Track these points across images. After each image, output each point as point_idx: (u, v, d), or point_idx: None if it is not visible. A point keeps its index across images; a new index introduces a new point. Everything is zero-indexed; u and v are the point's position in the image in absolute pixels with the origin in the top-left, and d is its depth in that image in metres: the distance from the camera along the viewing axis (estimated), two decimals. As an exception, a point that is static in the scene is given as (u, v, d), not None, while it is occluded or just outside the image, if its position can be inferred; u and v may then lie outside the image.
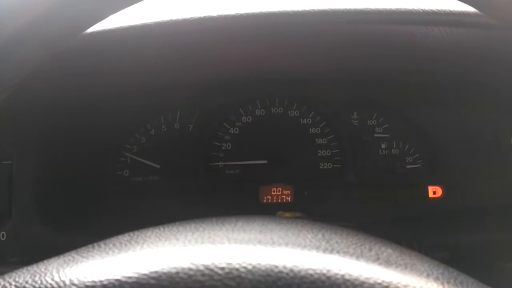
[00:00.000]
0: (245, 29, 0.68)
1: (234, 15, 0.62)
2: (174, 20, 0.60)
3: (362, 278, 0.29)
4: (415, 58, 0.74)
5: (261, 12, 0.63)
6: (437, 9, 0.59)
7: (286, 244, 0.32)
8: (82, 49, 0.59)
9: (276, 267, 0.29)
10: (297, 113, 0.94)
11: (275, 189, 0.92)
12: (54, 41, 0.40)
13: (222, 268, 0.29)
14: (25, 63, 0.39)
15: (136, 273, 0.29)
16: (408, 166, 0.93)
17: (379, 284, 0.29)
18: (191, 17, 0.61)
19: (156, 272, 0.29)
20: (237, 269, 0.29)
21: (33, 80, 0.42)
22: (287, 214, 0.70)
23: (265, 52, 0.76)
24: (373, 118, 0.94)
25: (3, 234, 0.70)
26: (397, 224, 0.87)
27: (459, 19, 0.60)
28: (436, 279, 0.31)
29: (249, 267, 0.29)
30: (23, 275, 0.33)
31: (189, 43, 0.67)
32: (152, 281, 0.29)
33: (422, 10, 0.60)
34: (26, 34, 0.37)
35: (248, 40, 0.71)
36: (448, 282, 0.31)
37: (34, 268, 0.34)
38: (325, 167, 0.94)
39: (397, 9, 0.61)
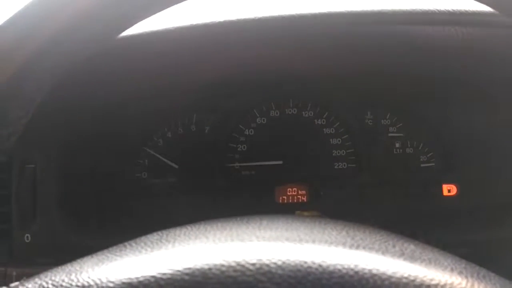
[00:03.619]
0: (260, 32, 0.69)
1: (251, 19, 0.63)
2: (194, 25, 0.62)
3: (389, 273, 0.30)
4: (430, 58, 0.74)
5: (276, 15, 0.65)
6: (453, 9, 0.60)
7: (313, 241, 0.33)
8: (107, 54, 0.60)
9: (305, 262, 0.30)
10: (311, 113, 0.95)
11: (290, 189, 0.93)
12: (87, 46, 0.41)
13: (253, 264, 0.30)
14: (59, 68, 0.40)
15: (171, 269, 0.31)
16: (422, 165, 0.94)
17: (406, 278, 0.30)
18: (210, 22, 0.62)
19: (189, 268, 0.31)
20: (267, 265, 0.30)
21: (59, 85, 0.43)
22: (305, 213, 0.72)
23: (279, 54, 0.77)
24: (387, 118, 0.95)
25: (27, 236, 0.71)
26: (412, 222, 0.87)
27: (475, 19, 0.60)
28: (460, 273, 0.32)
29: (279, 262, 0.30)
30: (59, 274, 0.34)
31: (207, 46, 0.69)
32: (186, 277, 0.30)
33: (438, 10, 0.60)
34: (62, 38, 0.39)
35: (263, 42, 0.72)
36: (472, 276, 0.32)
37: (68, 267, 0.35)
38: (340, 166, 0.94)
39: (413, 9, 0.61)
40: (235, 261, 0.30)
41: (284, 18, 0.67)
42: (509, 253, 0.80)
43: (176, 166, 0.93)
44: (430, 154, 0.94)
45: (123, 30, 0.41)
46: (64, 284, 0.33)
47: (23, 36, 0.37)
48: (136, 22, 0.40)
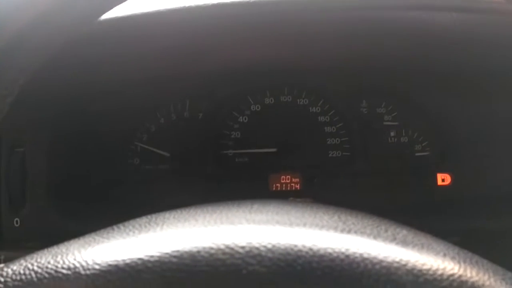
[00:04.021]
0: (255, 17, 0.68)
1: (245, 2, 0.62)
2: (186, 7, 0.61)
3: (380, 257, 0.29)
4: (426, 45, 0.74)
5: (272, -1, 0.64)
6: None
7: (304, 225, 0.33)
8: (94, 37, 0.59)
9: (296, 246, 0.30)
10: (306, 101, 0.94)
11: (284, 177, 0.92)
12: (69, 28, 0.40)
13: (243, 247, 0.30)
14: (42, 50, 0.39)
15: (158, 252, 0.30)
16: (417, 154, 0.93)
17: (397, 262, 0.29)
18: (203, 4, 0.61)
19: (178, 251, 0.30)
20: (257, 248, 0.30)
21: (46, 67, 0.42)
22: (298, 200, 0.71)
23: (274, 41, 0.76)
24: (382, 106, 0.94)
25: (17, 221, 0.71)
26: (406, 211, 0.87)
27: (475, 5, 0.59)
28: (453, 258, 0.31)
29: (269, 246, 0.30)
30: (45, 256, 0.33)
31: (200, 30, 0.68)
32: (174, 260, 0.29)
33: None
34: (42, 22, 0.38)
35: (258, 28, 0.71)
36: (464, 262, 0.31)
37: (55, 249, 0.34)
38: (334, 155, 0.94)
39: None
40: (224, 244, 0.30)
41: (281, 3, 0.65)
42: (502, 242, 0.80)
43: (168, 155, 0.92)
44: (425, 143, 0.94)
45: (106, 12, 0.40)
46: (50, 266, 0.32)
47: (3, 18, 0.37)
48: (118, 3, 0.40)
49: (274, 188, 0.92)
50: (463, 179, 0.90)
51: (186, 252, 0.30)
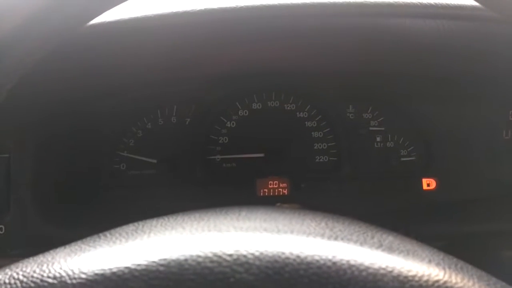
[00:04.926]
0: (243, 23, 0.68)
1: (232, 8, 0.62)
2: (174, 12, 0.61)
3: (367, 264, 0.29)
4: (411, 51, 0.75)
5: (259, 4, 0.64)
6: (435, 2, 0.60)
7: (291, 232, 0.33)
8: (80, 43, 0.59)
9: (283, 253, 0.30)
10: (293, 106, 0.95)
11: (271, 182, 0.93)
12: (57, 34, 0.40)
13: (230, 255, 0.30)
14: (28, 56, 0.39)
15: (145, 260, 0.30)
16: (402, 159, 0.94)
17: (384, 269, 0.29)
18: (191, 10, 0.61)
19: (165, 259, 0.30)
20: (245, 256, 0.30)
21: (31, 73, 0.42)
22: (286, 205, 0.71)
23: (262, 46, 0.76)
24: (369, 112, 0.95)
25: (1, 228, 0.70)
26: (392, 215, 0.88)
27: (458, 12, 0.60)
28: (438, 264, 0.31)
29: (257, 253, 0.30)
30: (30, 265, 0.33)
31: (187, 36, 0.68)
32: (162, 268, 0.29)
33: (420, 3, 0.60)
34: (29, 27, 0.38)
35: (245, 33, 0.71)
36: (449, 268, 0.32)
37: (40, 258, 0.34)
38: (321, 160, 0.95)
39: (395, 2, 0.61)
40: (211, 252, 0.30)
41: (269, 8, 0.66)
42: (486, 246, 0.81)
43: (154, 161, 0.92)
44: (411, 148, 0.95)
45: (93, 18, 0.40)
46: (35, 275, 0.32)
47: None
48: (106, 10, 0.40)
49: (261, 194, 0.92)
50: (448, 184, 0.92)
51: (173, 261, 0.30)
